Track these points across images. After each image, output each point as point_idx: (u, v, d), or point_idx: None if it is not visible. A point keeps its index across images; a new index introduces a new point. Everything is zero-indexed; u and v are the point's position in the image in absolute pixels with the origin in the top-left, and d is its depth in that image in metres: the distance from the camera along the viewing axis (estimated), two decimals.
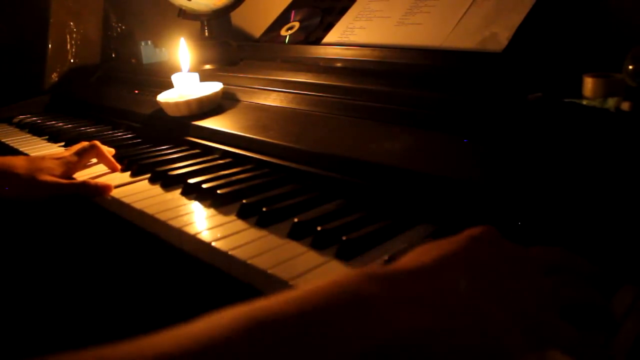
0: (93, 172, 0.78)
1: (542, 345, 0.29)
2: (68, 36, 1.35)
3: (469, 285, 0.29)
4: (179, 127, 0.86)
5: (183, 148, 0.83)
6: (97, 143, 0.79)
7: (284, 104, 0.84)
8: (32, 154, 0.89)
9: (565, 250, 0.37)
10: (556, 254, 0.36)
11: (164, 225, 0.59)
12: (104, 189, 0.70)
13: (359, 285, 0.27)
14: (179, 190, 0.67)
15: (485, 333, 0.27)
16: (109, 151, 0.80)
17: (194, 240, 0.55)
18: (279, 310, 0.25)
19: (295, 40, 1.05)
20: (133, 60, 1.37)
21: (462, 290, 0.29)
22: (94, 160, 0.81)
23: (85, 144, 0.80)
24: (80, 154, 0.77)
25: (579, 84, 0.60)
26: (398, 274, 0.29)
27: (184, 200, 0.64)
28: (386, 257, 0.45)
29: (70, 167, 0.76)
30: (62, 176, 0.74)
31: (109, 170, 0.78)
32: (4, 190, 0.71)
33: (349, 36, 0.95)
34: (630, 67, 0.55)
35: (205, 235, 0.54)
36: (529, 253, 0.35)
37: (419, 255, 0.32)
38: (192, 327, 0.25)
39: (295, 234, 0.52)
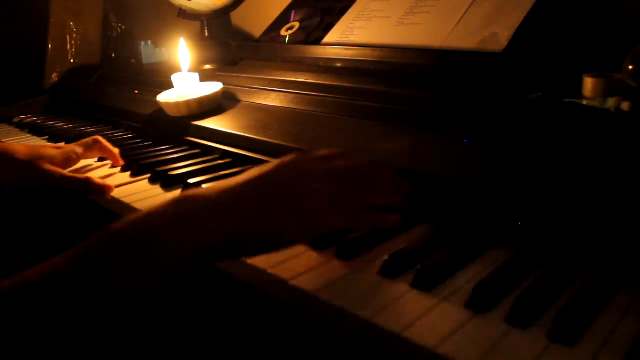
0: (89, 164, 0.78)
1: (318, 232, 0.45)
2: (68, 36, 1.35)
3: (264, 198, 0.42)
4: (179, 127, 0.86)
5: (183, 148, 0.83)
6: (99, 138, 0.78)
7: (284, 104, 0.84)
8: None
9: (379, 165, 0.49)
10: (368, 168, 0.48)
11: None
12: (106, 189, 0.69)
13: (182, 206, 0.40)
14: (179, 190, 0.67)
15: (269, 231, 0.42)
16: (111, 151, 0.79)
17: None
18: (125, 227, 0.38)
19: (295, 40, 1.05)
20: (133, 60, 1.37)
21: (258, 201, 0.42)
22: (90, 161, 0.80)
23: (88, 139, 0.79)
24: (82, 146, 0.76)
25: (579, 84, 0.60)
26: (210, 192, 0.41)
27: None
28: (386, 257, 0.45)
29: (72, 158, 0.75)
30: (62, 167, 0.73)
31: (108, 171, 0.78)
32: (2, 175, 0.70)
33: (349, 36, 0.95)
34: (630, 67, 0.55)
35: None
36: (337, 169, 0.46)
37: (240, 176, 0.44)
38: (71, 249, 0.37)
39: None
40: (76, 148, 0.76)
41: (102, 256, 0.37)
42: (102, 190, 0.69)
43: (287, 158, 0.47)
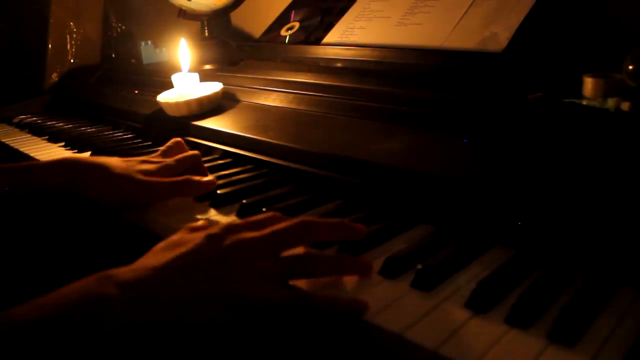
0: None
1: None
2: (68, 36, 1.35)
3: (189, 276, 0.39)
4: (179, 127, 0.86)
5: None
6: (198, 153, 0.69)
7: (284, 104, 0.84)
8: (32, 154, 0.89)
9: (307, 225, 0.45)
10: (295, 234, 0.44)
11: (164, 226, 0.59)
12: (209, 185, 0.63)
13: (95, 288, 0.37)
14: None
15: (198, 313, 0.38)
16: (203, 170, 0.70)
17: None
18: (27, 312, 0.35)
19: (295, 40, 1.05)
20: (133, 60, 1.37)
21: (183, 281, 0.39)
22: None
23: (182, 143, 0.71)
24: (179, 161, 0.67)
25: (579, 84, 0.60)
26: (135, 276, 0.38)
27: (184, 200, 0.64)
28: (386, 257, 0.45)
29: (167, 172, 0.65)
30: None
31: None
32: (100, 191, 0.63)
33: (349, 36, 0.95)
34: (630, 67, 0.55)
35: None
36: (266, 238, 0.43)
37: (155, 254, 0.42)
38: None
39: None
40: (172, 162, 0.67)
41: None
42: (207, 186, 0.63)
43: (214, 230, 0.43)
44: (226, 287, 0.39)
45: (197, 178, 0.63)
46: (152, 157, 0.69)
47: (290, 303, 0.41)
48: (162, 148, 0.71)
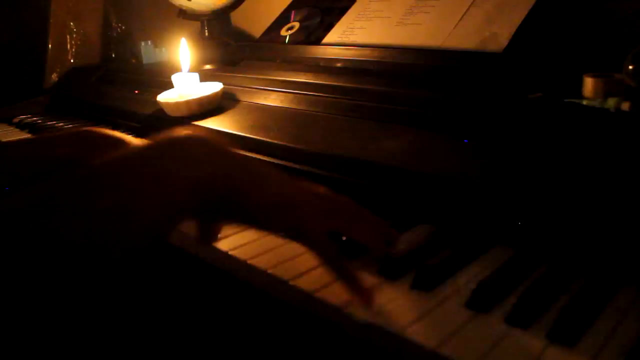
0: None
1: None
2: (68, 36, 1.35)
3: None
4: (179, 127, 0.85)
5: None
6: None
7: (284, 104, 0.84)
8: None
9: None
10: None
11: None
12: None
13: (182, 136, 0.39)
14: None
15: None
16: None
17: (194, 241, 0.55)
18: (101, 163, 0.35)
19: (295, 40, 1.05)
20: (133, 60, 1.37)
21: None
22: None
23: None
24: None
25: (579, 84, 0.60)
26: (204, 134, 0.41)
27: None
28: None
29: None
30: None
31: None
32: None
33: (349, 36, 0.95)
34: (630, 67, 0.55)
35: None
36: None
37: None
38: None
39: None
40: None
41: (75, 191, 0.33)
42: None
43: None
44: (288, 189, 0.42)
45: None
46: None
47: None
48: None
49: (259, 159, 0.43)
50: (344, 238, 0.49)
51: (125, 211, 0.34)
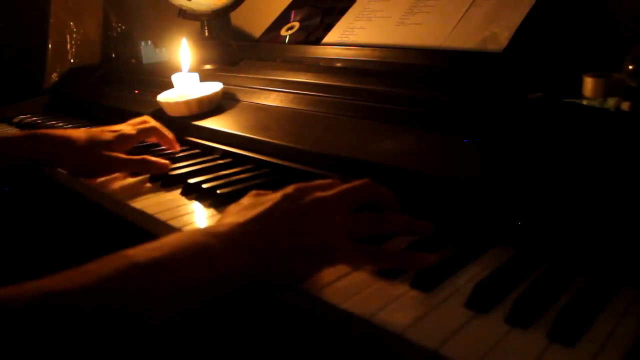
0: None
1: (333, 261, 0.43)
2: (68, 36, 1.35)
3: (278, 230, 0.42)
4: (179, 127, 0.86)
5: (183, 148, 0.83)
6: (148, 118, 0.80)
7: (284, 104, 0.84)
8: None
9: (372, 185, 0.48)
10: (363, 192, 0.47)
11: (164, 225, 0.59)
12: (163, 167, 0.71)
13: (197, 238, 0.39)
14: (179, 190, 0.67)
15: (283, 264, 0.41)
16: (166, 136, 0.80)
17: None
18: (137, 255, 0.36)
19: (295, 40, 1.05)
20: (133, 60, 1.37)
21: (273, 235, 0.41)
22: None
23: (145, 122, 0.80)
24: (139, 131, 0.77)
25: (579, 84, 0.60)
26: (228, 228, 0.41)
27: (184, 200, 0.64)
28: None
29: (125, 142, 0.75)
30: (119, 151, 0.73)
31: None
32: (63, 162, 0.72)
33: (349, 36, 0.95)
34: (630, 67, 0.55)
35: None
36: (338, 196, 0.45)
37: (243, 209, 0.45)
38: (85, 267, 0.35)
39: None
40: (131, 131, 0.76)
41: (124, 288, 0.35)
42: (160, 167, 0.71)
43: (289, 190, 0.46)
44: (308, 239, 0.42)
45: (153, 159, 0.71)
46: (115, 127, 0.78)
47: (362, 255, 0.43)
48: (130, 121, 0.81)
49: (268, 225, 0.43)
50: None
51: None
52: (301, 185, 0.46)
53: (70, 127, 1.05)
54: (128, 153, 0.75)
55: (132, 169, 0.72)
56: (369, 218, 0.46)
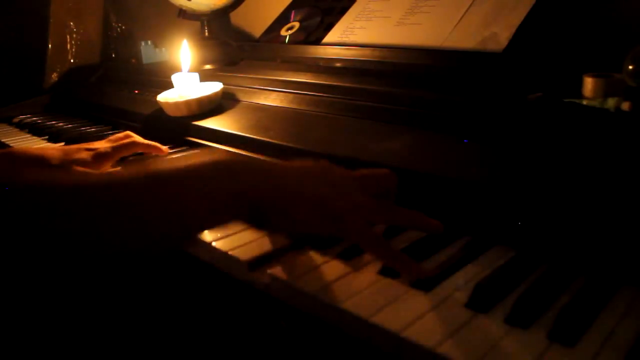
0: None
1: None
2: (68, 36, 1.35)
3: (301, 179, 0.46)
4: (179, 127, 0.86)
5: (183, 148, 0.83)
6: (130, 133, 0.79)
7: (284, 104, 0.84)
8: None
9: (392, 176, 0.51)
10: (380, 183, 0.51)
11: None
12: (155, 148, 0.73)
13: (223, 157, 0.44)
14: None
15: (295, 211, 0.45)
16: (149, 144, 0.80)
17: (194, 240, 0.55)
18: (171, 166, 0.42)
19: (295, 40, 1.05)
20: (133, 60, 1.37)
21: (294, 179, 0.46)
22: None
23: (126, 137, 0.79)
24: (115, 148, 0.76)
25: (579, 84, 0.60)
26: (252, 161, 0.47)
27: None
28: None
29: (104, 159, 0.74)
30: (96, 169, 0.72)
31: None
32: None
33: (349, 36, 0.95)
34: (630, 67, 0.55)
35: (205, 234, 0.54)
36: (363, 178, 0.50)
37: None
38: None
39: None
40: (106, 149, 0.75)
41: (140, 194, 0.39)
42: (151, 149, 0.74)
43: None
44: (327, 198, 0.45)
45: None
46: (92, 144, 0.77)
47: (375, 241, 0.45)
48: (111, 137, 0.80)
49: (298, 168, 0.48)
50: None
51: (180, 216, 0.41)
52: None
53: (70, 127, 1.05)
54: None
55: None
56: (388, 206, 0.48)
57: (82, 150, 0.74)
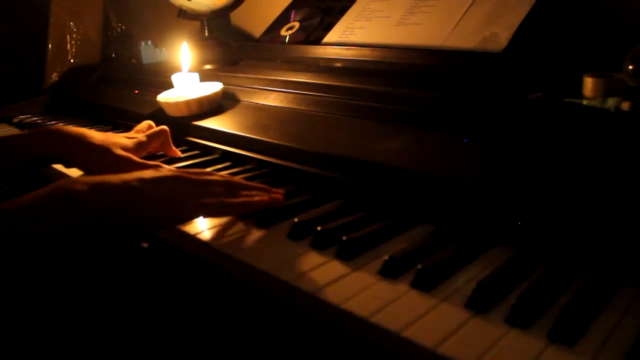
0: None
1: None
2: (68, 36, 1.35)
3: (135, 183, 0.51)
4: (179, 127, 0.86)
5: (183, 148, 0.83)
6: (166, 128, 0.79)
7: (284, 104, 0.84)
8: None
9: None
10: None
11: None
12: None
13: (63, 185, 0.47)
14: None
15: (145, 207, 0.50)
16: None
17: (194, 240, 0.55)
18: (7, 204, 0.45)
19: (295, 40, 1.05)
20: (133, 60, 1.37)
21: (129, 186, 0.50)
22: None
23: (153, 125, 0.80)
24: (150, 136, 0.77)
25: (579, 84, 0.60)
26: (89, 180, 0.49)
27: None
28: (386, 257, 0.45)
29: (141, 148, 0.75)
30: (136, 155, 0.73)
31: None
32: (78, 159, 0.71)
33: (349, 36, 0.95)
34: (630, 67, 0.55)
35: (207, 236, 0.54)
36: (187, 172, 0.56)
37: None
38: None
39: (295, 234, 0.52)
40: (144, 138, 0.76)
41: None
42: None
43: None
44: (163, 197, 0.51)
45: (167, 167, 0.72)
46: (127, 134, 0.78)
47: (211, 209, 0.54)
48: (135, 127, 0.81)
49: (132, 180, 0.52)
50: None
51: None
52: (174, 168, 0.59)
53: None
54: None
55: None
56: (216, 182, 0.56)
57: (121, 137, 0.75)
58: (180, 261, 0.59)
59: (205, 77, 0.94)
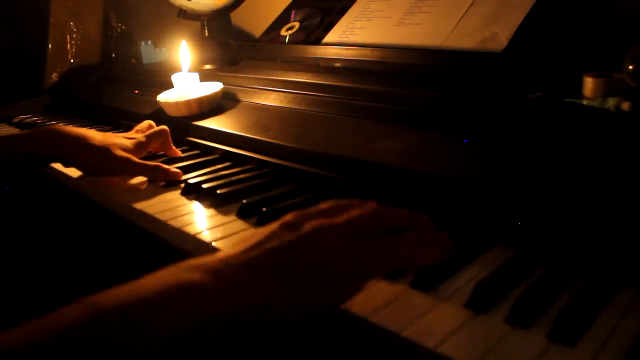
0: None
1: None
2: (68, 36, 1.34)
3: (274, 262, 0.37)
4: (179, 127, 0.86)
5: (183, 148, 0.83)
6: (166, 128, 0.79)
7: (284, 104, 0.84)
8: None
9: (384, 212, 0.42)
10: (371, 221, 0.41)
11: (164, 226, 0.59)
12: (177, 175, 0.70)
13: (181, 275, 0.35)
14: (179, 191, 0.67)
15: (287, 302, 0.36)
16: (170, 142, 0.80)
17: (194, 240, 0.55)
18: (114, 300, 0.32)
19: (295, 40, 1.05)
20: (133, 60, 1.37)
21: (269, 267, 0.37)
22: None
23: (154, 125, 0.80)
24: (150, 137, 0.76)
25: (579, 84, 0.60)
26: (219, 263, 0.36)
27: (184, 200, 0.64)
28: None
29: (141, 149, 0.75)
30: (134, 155, 0.72)
31: None
32: (79, 159, 0.71)
33: (349, 36, 0.95)
34: (630, 67, 0.55)
35: (206, 235, 0.54)
36: (343, 222, 0.40)
37: (238, 244, 0.39)
38: (46, 319, 0.31)
39: None
40: (143, 139, 0.76)
41: (83, 338, 0.30)
42: (173, 176, 0.70)
43: (287, 218, 0.41)
44: (310, 270, 0.37)
45: (166, 167, 0.71)
46: (127, 134, 0.78)
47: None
48: (135, 127, 0.81)
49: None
50: None
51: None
52: (302, 212, 0.41)
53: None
54: None
55: (147, 174, 0.71)
56: (376, 244, 0.40)
57: (120, 137, 0.74)
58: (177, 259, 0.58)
59: (205, 77, 0.94)
